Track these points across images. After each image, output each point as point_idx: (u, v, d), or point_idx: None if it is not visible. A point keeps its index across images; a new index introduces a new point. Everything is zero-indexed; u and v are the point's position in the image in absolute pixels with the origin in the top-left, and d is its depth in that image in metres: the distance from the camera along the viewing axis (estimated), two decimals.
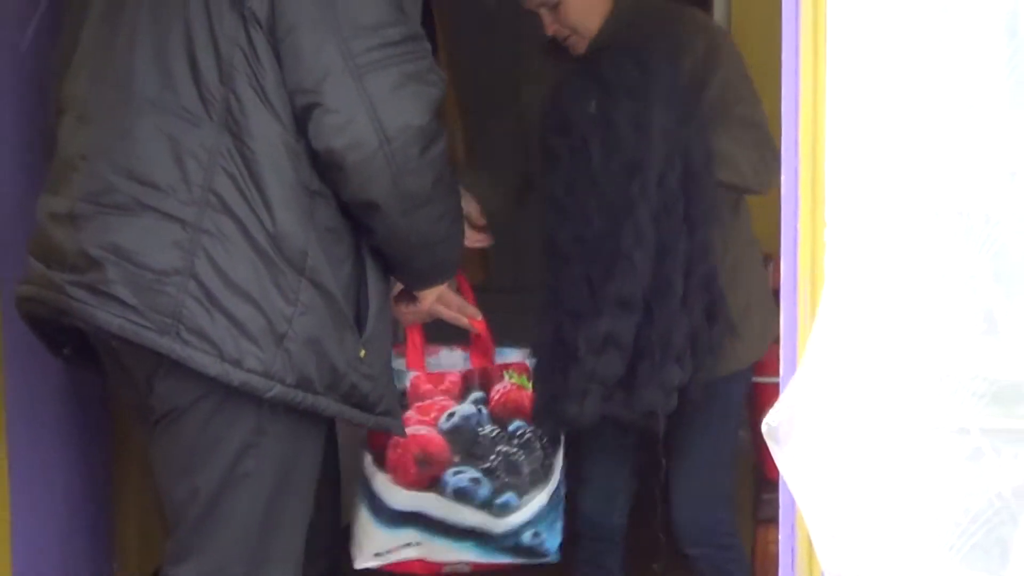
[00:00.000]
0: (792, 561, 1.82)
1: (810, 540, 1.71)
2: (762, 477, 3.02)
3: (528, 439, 2.73)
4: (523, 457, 2.72)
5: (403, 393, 2.69)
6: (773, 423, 1.71)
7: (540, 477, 2.74)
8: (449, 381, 2.72)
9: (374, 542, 2.73)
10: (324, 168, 2.24)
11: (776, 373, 1.82)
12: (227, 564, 2.31)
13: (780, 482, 1.75)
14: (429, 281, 2.55)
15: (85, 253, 2.21)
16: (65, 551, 2.96)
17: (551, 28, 2.83)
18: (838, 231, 1.69)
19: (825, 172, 1.71)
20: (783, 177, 1.79)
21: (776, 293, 1.96)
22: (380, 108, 2.20)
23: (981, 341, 1.63)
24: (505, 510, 2.71)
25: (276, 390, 2.21)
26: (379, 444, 2.72)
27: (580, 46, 2.84)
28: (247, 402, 2.24)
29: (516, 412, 2.74)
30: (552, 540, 2.77)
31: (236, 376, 2.19)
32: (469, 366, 2.79)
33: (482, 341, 2.79)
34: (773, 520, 1.93)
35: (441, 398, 2.70)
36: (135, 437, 3.00)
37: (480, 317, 2.73)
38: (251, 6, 2.19)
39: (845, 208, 1.68)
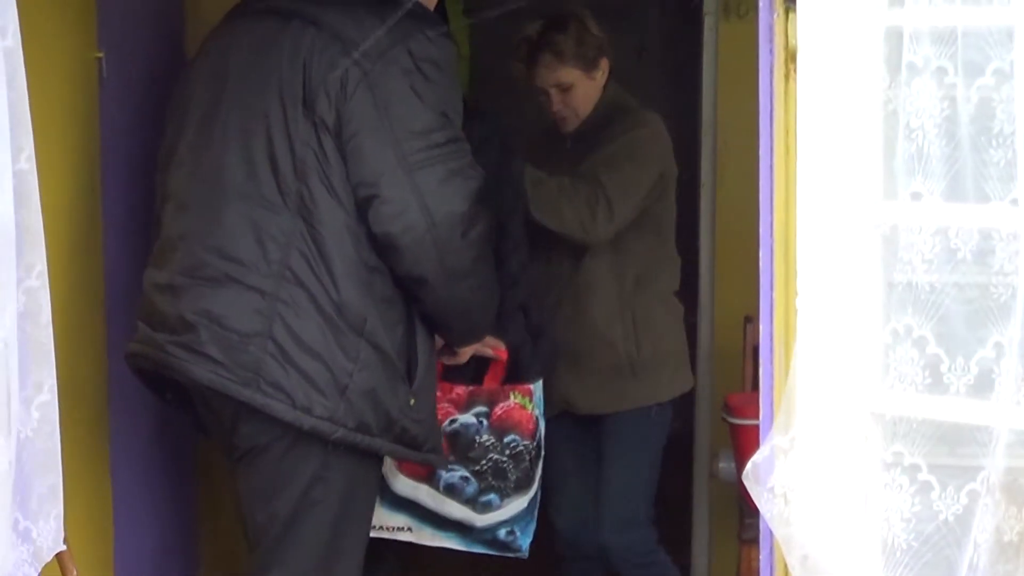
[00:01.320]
0: None
1: (785, 560, 1.95)
2: (745, 504, 3.11)
3: (519, 452, 2.97)
4: (511, 466, 2.95)
5: None
6: (754, 462, 1.94)
7: (523, 484, 2.98)
8: (456, 393, 2.96)
9: (374, 516, 2.96)
10: (381, 248, 2.51)
11: (755, 416, 2.07)
12: None
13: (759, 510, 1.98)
14: (467, 340, 2.83)
15: (182, 318, 2.50)
16: (158, 565, 3.16)
17: (556, 106, 3.27)
18: (807, 298, 1.92)
19: (796, 249, 1.93)
20: (760, 253, 2.01)
21: (755, 349, 2.26)
22: (428, 198, 2.48)
23: (927, 392, 1.85)
24: (487, 508, 2.96)
25: (339, 433, 2.49)
26: None
27: (571, 125, 3.27)
28: (315, 443, 2.50)
29: (514, 427, 2.97)
30: (524, 539, 3.01)
31: (306, 421, 2.47)
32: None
33: (499, 367, 3.04)
34: (755, 541, 2.17)
35: (447, 405, 2.95)
36: (214, 471, 3.22)
37: (503, 348, 3.00)
38: (321, 115, 2.48)
39: (812, 279, 1.91)
